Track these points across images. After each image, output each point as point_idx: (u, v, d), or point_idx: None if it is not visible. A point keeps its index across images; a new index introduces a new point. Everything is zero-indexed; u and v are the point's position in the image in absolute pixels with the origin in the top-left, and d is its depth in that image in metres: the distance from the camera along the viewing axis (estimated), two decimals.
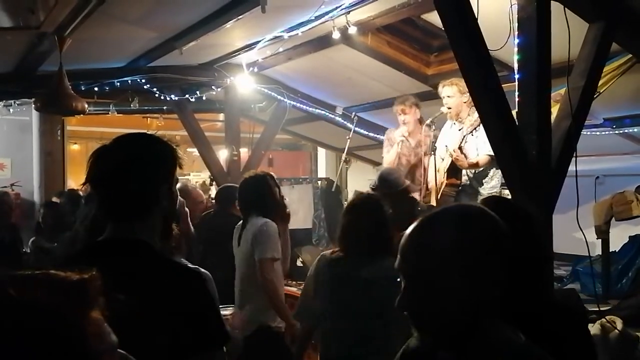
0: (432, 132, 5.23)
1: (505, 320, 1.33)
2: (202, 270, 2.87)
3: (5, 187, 8.40)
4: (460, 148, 4.82)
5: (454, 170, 4.97)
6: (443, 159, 4.99)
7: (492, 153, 4.55)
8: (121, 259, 1.66)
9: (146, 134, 1.97)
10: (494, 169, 4.87)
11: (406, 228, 1.35)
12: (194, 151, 10.09)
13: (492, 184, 4.92)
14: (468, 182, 4.98)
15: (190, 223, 4.73)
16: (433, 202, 4.98)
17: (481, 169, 4.92)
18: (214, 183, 7.69)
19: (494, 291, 1.27)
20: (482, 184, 4.93)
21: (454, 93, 4.95)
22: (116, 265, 1.48)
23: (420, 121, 5.60)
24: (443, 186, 4.98)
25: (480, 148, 4.82)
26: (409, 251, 1.31)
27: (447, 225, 1.31)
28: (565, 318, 1.84)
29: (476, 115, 4.81)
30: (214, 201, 6.13)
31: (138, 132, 1.97)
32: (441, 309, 1.27)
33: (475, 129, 4.92)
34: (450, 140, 5.06)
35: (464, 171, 4.98)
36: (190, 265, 2.49)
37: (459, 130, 5.04)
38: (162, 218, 1.81)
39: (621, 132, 6.32)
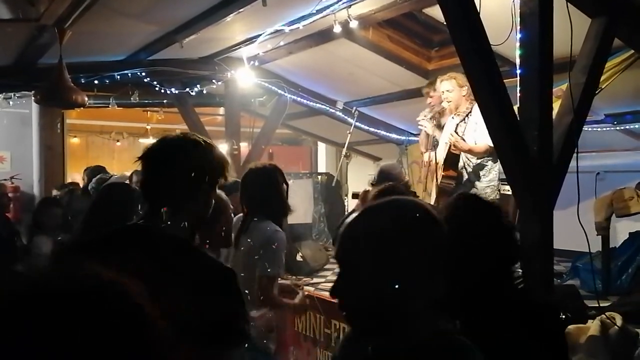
0: (433, 127, 5.21)
1: (454, 313, 1.36)
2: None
3: (5, 180, 8.39)
4: (457, 132, 4.82)
5: (451, 162, 4.96)
6: (444, 147, 4.99)
7: (490, 144, 4.56)
8: (155, 247, 1.72)
9: (208, 142, 1.99)
10: (492, 162, 4.86)
11: None
12: None
13: (490, 178, 4.91)
14: (465, 175, 4.97)
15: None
16: (433, 195, 4.97)
17: (478, 161, 4.91)
18: None
19: (424, 283, 1.29)
20: (480, 177, 4.92)
21: (453, 87, 4.94)
22: (150, 253, 1.54)
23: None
24: (440, 179, 4.97)
25: (478, 138, 4.81)
26: (344, 238, 1.36)
27: (379, 217, 1.35)
28: (530, 313, 1.86)
29: (470, 106, 4.83)
30: None
31: (203, 137, 1.99)
32: (365, 297, 1.30)
33: (467, 116, 4.92)
34: (448, 130, 5.07)
35: (461, 164, 4.97)
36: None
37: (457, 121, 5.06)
38: (192, 219, 1.87)
39: (622, 128, 6.31)
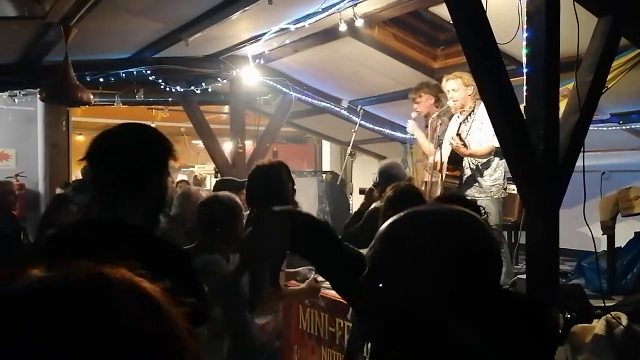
0: (439, 126, 5.21)
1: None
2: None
3: (10, 177, 8.40)
4: (458, 136, 4.80)
5: (455, 161, 4.95)
6: (448, 146, 4.98)
7: (495, 144, 4.55)
8: (109, 239, 1.69)
9: (147, 126, 2.07)
10: (498, 160, 4.85)
11: None
12: (199, 143, 10.10)
13: (495, 177, 4.89)
14: (470, 174, 4.96)
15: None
16: (437, 194, 4.96)
17: (484, 160, 4.89)
18: (219, 175, 7.69)
19: (449, 293, 1.23)
20: (484, 176, 4.91)
21: (458, 86, 4.93)
22: (103, 246, 1.52)
23: (436, 104, 5.67)
24: (445, 177, 4.96)
25: (482, 138, 4.80)
26: (380, 240, 1.31)
27: (421, 227, 1.28)
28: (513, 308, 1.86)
29: (478, 104, 4.81)
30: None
31: (141, 123, 2.05)
32: (393, 300, 1.26)
33: (469, 115, 4.91)
34: (453, 132, 5.06)
35: (465, 163, 4.96)
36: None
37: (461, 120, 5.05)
38: (149, 206, 1.87)
39: (628, 127, 6.29)
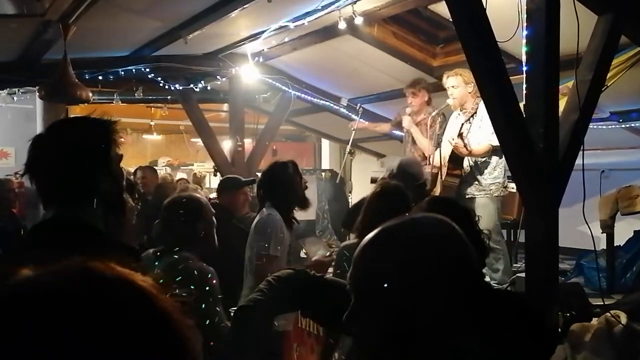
0: (438, 124, 5.20)
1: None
2: (205, 265, 2.89)
3: (10, 175, 8.39)
4: (460, 135, 4.79)
5: (456, 160, 4.94)
6: (448, 146, 4.98)
7: (494, 143, 4.54)
8: (60, 240, 1.64)
9: (79, 118, 1.95)
10: (497, 158, 4.84)
11: None
12: (198, 141, 10.09)
13: (495, 175, 4.89)
14: (469, 172, 4.95)
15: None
16: (437, 192, 4.96)
17: (484, 159, 4.89)
18: (217, 174, 7.68)
19: (432, 310, 1.19)
20: (484, 174, 4.90)
21: (458, 83, 4.93)
22: (55, 246, 1.50)
23: (428, 103, 5.70)
24: (445, 176, 4.96)
25: (482, 136, 4.80)
26: (360, 265, 1.25)
27: (399, 243, 1.22)
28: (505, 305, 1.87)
29: (476, 103, 4.80)
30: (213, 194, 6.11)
31: (72, 117, 1.97)
32: (385, 329, 1.21)
33: (472, 116, 4.90)
34: (452, 130, 5.05)
35: (466, 161, 4.96)
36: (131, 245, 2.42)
37: (463, 119, 5.04)
38: (104, 201, 1.80)
39: (627, 126, 6.29)
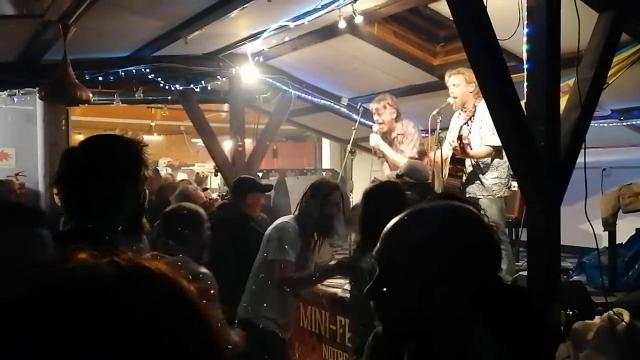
0: (438, 123, 5.19)
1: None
2: (203, 269, 2.90)
3: (10, 176, 8.39)
4: (460, 137, 4.78)
5: (458, 160, 4.93)
6: (450, 149, 4.96)
7: (494, 144, 4.53)
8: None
9: (113, 136, 1.98)
10: (499, 159, 4.83)
11: None
12: (199, 142, 10.09)
13: (497, 175, 4.87)
14: (473, 173, 4.94)
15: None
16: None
17: (486, 159, 4.88)
18: (218, 174, 7.68)
19: (458, 290, 1.26)
20: (486, 175, 4.89)
21: (460, 82, 4.91)
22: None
23: (397, 119, 5.58)
24: (447, 177, 4.95)
25: (483, 138, 4.78)
26: (387, 241, 1.32)
27: (428, 222, 1.30)
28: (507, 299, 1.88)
29: (477, 104, 4.79)
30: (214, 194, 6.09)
31: (106, 135, 1.99)
32: (406, 303, 1.27)
33: (470, 118, 4.89)
34: (454, 130, 5.04)
35: (467, 162, 4.95)
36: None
37: (463, 119, 5.03)
38: (126, 217, 1.83)
39: (628, 123, 6.29)
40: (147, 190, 1.96)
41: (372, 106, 5.65)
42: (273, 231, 4.03)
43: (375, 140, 5.64)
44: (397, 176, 4.81)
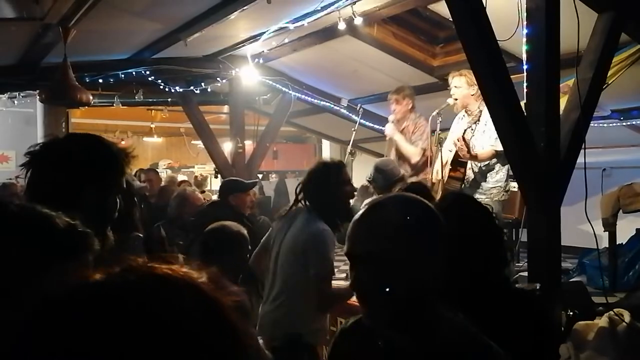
0: (438, 124, 5.19)
1: (447, 300, 1.42)
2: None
3: (11, 179, 8.40)
4: (463, 139, 4.78)
5: (458, 163, 4.93)
6: (450, 151, 4.96)
7: (497, 148, 4.53)
8: None
9: (94, 138, 1.87)
10: (499, 164, 4.83)
11: None
12: (199, 143, 10.08)
13: (497, 178, 4.86)
14: (472, 176, 4.94)
15: None
16: (439, 195, 4.94)
17: (487, 162, 4.87)
18: (218, 176, 7.68)
19: (434, 270, 1.38)
20: (487, 178, 4.88)
21: (461, 84, 4.90)
22: None
23: (411, 110, 5.71)
24: (447, 179, 4.94)
25: (485, 141, 4.78)
26: (359, 236, 1.42)
27: (391, 210, 1.42)
28: (514, 301, 1.92)
29: (481, 107, 4.78)
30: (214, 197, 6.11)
31: (73, 134, 1.95)
32: (387, 289, 1.37)
33: (476, 122, 4.88)
34: (456, 132, 5.03)
35: (468, 165, 4.94)
36: None
37: (466, 122, 5.02)
38: (112, 214, 1.76)
39: (628, 124, 6.29)
40: (133, 184, 1.92)
41: (391, 96, 5.76)
42: (310, 240, 3.36)
43: (390, 130, 5.73)
44: (369, 182, 4.85)
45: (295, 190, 3.57)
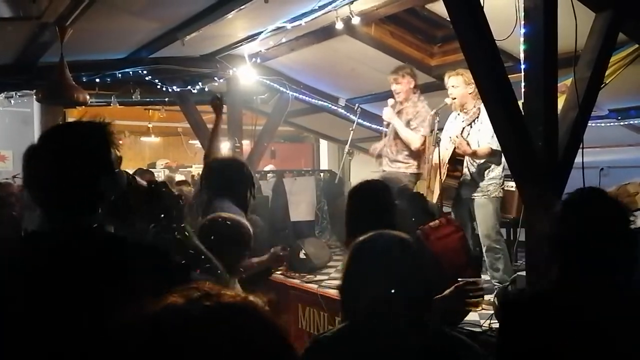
0: (436, 123, 5.18)
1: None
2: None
3: (7, 179, 8.38)
4: (462, 136, 4.78)
5: (456, 161, 4.93)
6: (447, 149, 4.95)
7: (493, 146, 4.53)
8: (81, 250, 1.61)
9: (73, 124, 1.85)
10: (495, 164, 4.83)
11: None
12: (196, 143, 10.07)
13: (492, 176, 4.87)
14: (469, 174, 4.94)
15: None
16: (436, 193, 4.94)
17: (482, 160, 4.87)
18: None
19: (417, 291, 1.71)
20: (483, 176, 4.88)
21: (459, 83, 4.90)
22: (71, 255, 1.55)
23: (414, 90, 5.51)
24: (445, 177, 4.94)
25: (481, 139, 4.78)
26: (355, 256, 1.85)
27: (379, 258, 1.77)
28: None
29: (478, 106, 4.78)
30: None
31: (65, 123, 1.88)
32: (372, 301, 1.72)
33: (474, 120, 4.88)
34: (453, 131, 5.02)
35: (465, 163, 4.94)
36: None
37: (462, 121, 5.01)
38: (111, 206, 1.74)
39: (626, 123, 6.29)
40: (125, 172, 1.90)
41: (390, 76, 5.55)
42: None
43: (388, 115, 5.56)
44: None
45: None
